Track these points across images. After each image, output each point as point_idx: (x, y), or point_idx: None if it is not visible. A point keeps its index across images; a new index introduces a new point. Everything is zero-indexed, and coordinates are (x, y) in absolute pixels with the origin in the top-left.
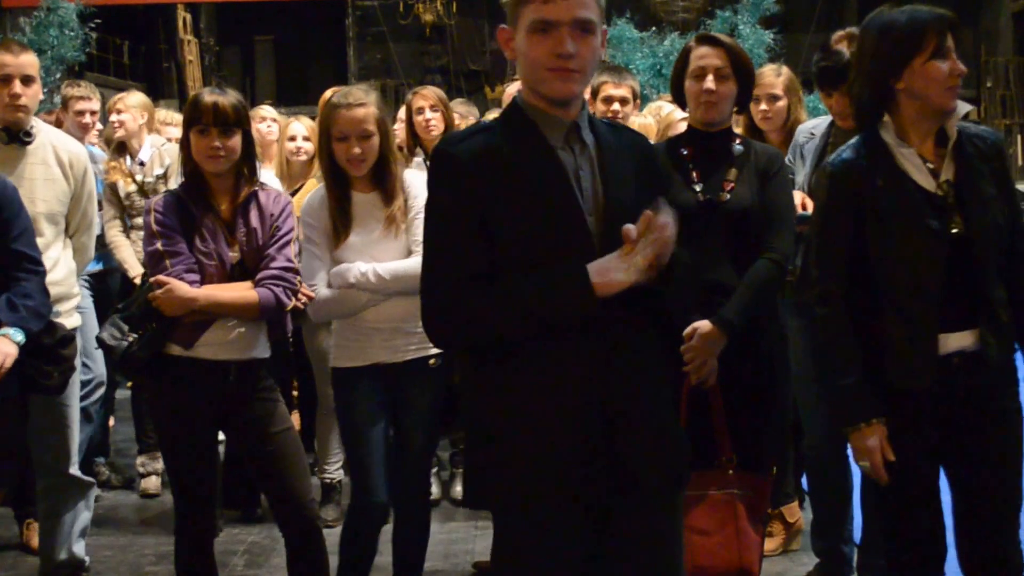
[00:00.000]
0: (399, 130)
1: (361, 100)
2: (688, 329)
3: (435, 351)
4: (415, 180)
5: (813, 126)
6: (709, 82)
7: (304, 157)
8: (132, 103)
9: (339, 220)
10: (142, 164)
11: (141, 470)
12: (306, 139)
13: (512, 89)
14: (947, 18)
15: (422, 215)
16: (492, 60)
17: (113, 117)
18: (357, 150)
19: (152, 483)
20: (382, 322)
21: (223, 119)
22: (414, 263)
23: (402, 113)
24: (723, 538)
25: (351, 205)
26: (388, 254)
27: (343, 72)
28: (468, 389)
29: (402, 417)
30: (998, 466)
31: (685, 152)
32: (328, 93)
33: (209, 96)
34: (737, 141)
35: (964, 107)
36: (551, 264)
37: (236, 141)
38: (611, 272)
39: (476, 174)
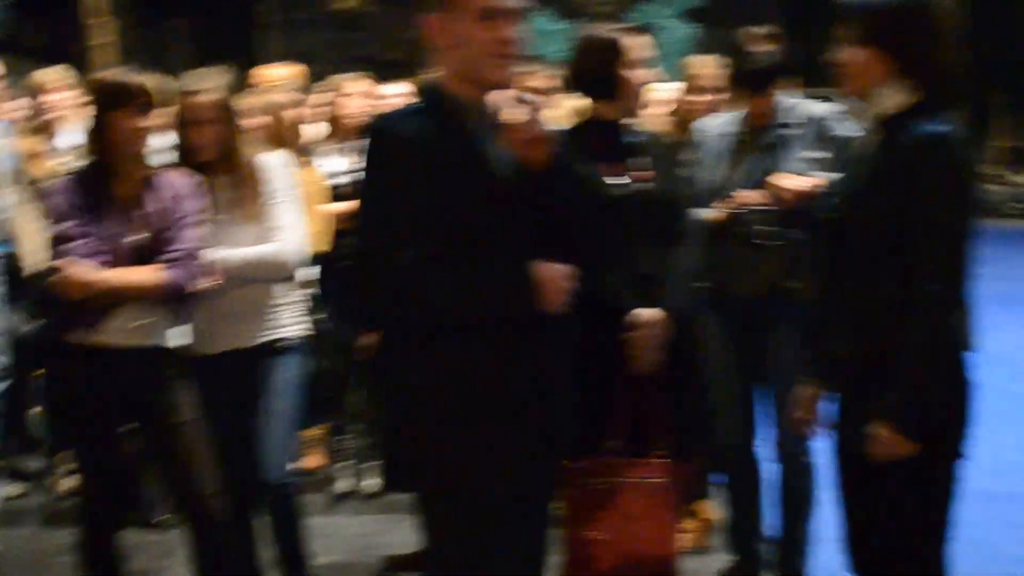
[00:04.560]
0: (316, 112)
1: (201, 87)
2: (633, 318)
3: (292, 334)
4: (276, 163)
5: (717, 123)
6: (646, 73)
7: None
8: (67, 81)
9: None
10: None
11: (61, 467)
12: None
13: None
14: None
15: (277, 199)
16: (413, 49)
17: (55, 96)
18: (199, 138)
19: (67, 481)
20: (237, 307)
21: (147, 100)
22: (268, 250)
23: (319, 98)
24: (652, 525)
25: (209, 188)
26: (245, 239)
27: (260, 58)
28: (395, 372)
29: (258, 400)
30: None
31: (594, 142)
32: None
33: (139, 77)
34: (634, 130)
35: None
36: (488, 252)
37: (150, 121)
38: (556, 292)
39: (420, 154)
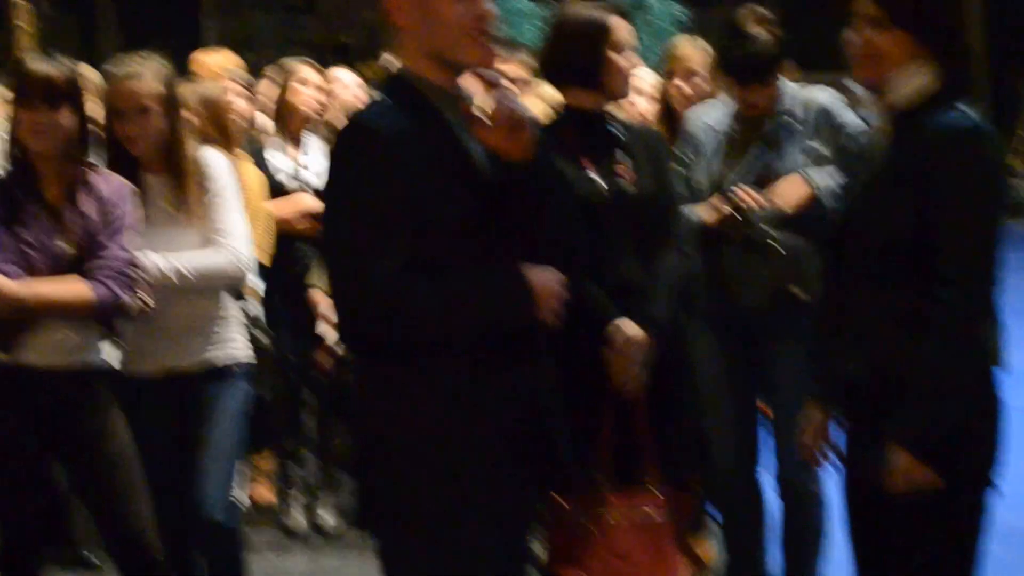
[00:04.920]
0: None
1: (135, 72)
2: (613, 332)
3: (236, 355)
4: (217, 161)
5: (707, 114)
6: (635, 58)
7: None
8: None
9: None
10: None
11: None
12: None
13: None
14: None
15: (222, 200)
16: (366, 34)
17: None
18: (131, 128)
19: None
20: (174, 322)
21: (50, 91)
22: (220, 257)
23: (263, 88)
24: (644, 563)
25: (141, 187)
26: (183, 245)
27: (197, 44)
28: (372, 399)
29: (198, 428)
30: None
31: (568, 137)
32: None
33: (36, 64)
34: (614, 123)
35: None
36: (469, 258)
37: (65, 117)
38: (551, 300)
39: (401, 154)
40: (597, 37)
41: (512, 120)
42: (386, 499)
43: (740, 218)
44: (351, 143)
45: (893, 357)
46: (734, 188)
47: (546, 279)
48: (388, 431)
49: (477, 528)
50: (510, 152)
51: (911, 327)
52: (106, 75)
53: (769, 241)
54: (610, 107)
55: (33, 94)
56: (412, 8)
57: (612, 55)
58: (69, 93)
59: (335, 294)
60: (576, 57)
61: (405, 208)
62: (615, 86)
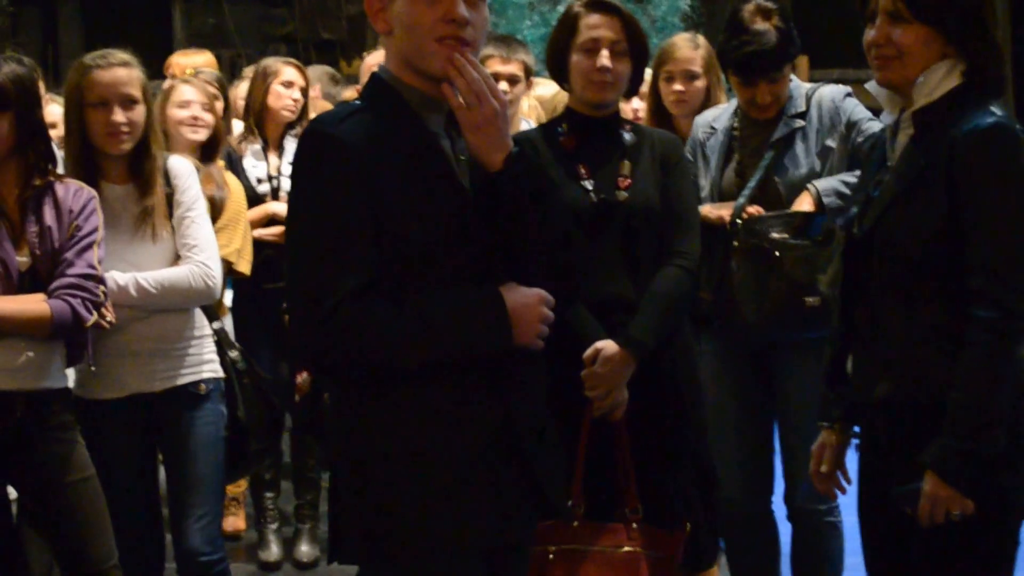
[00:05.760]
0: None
1: (124, 60)
2: (590, 351)
3: (206, 375)
4: (183, 169)
5: (713, 118)
6: (604, 57)
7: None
8: None
9: None
10: None
11: None
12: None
13: (372, 60)
14: None
15: (195, 212)
16: (349, 28)
17: None
18: (120, 117)
19: None
20: (139, 343)
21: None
22: (186, 273)
23: (242, 90)
24: None
25: (102, 200)
26: (148, 260)
27: (167, 40)
28: (343, 421)
29: (171, 457)
30: None
31: (567, 141)
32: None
33: None
34: (627, 128)
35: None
36: (448, 275)
37: (4, 124)
38: (532, 323)
39: (365, 163)
40: (560, 34)
41: (488, 119)
42: (358, 529)
43: (747, 225)
44: (309, 150)
45: (927, 378)
46: (747, 209)
47: (528, 300)
48: (358, 455)
49: (454, 560)
50: (484, 156)
51: (945, 346)
52: (79, 67)
53: (777, 252)
54: (600, 108)
55: None
56: (384, 12)
57: (575, 56)
58: (9, 98)
59: (289, 312)
60: (553, 56)
61: (368, 221)
62: (578, 89)
